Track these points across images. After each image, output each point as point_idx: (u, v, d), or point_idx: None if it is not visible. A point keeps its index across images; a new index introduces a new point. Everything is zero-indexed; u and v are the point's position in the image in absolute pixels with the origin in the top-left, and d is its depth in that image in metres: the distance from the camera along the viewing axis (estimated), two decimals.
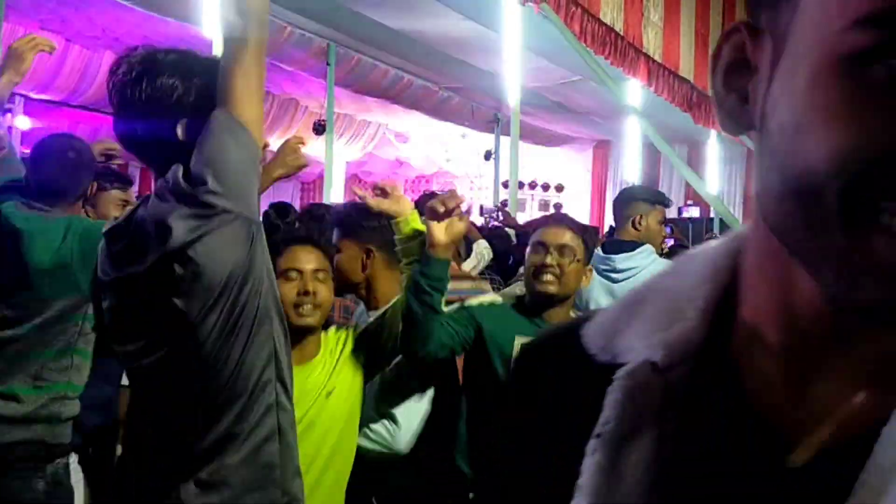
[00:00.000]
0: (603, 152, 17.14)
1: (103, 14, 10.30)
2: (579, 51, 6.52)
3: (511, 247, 5.14)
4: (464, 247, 4.40)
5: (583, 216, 19.42)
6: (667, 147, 6.92)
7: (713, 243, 0.57)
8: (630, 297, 0.58)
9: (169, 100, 1.59)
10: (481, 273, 4.49)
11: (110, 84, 1.72)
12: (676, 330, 0.51)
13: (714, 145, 12.05)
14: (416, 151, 19.15)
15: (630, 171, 15.05)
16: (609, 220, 16.87)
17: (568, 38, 6.43)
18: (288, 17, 9.02)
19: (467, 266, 4.33)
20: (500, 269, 4.87)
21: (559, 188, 19.29)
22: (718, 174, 12.60)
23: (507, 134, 14.00)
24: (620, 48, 7.72)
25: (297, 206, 25.80)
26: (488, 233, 5.30)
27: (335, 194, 15.44)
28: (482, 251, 4.63)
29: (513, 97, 6.47)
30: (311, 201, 23.93)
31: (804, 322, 0.47)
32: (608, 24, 7.44)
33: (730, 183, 14.70)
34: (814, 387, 0.47)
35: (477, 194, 22.37)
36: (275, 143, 11.31)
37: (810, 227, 0.42)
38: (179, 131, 1.58)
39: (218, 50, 4.63)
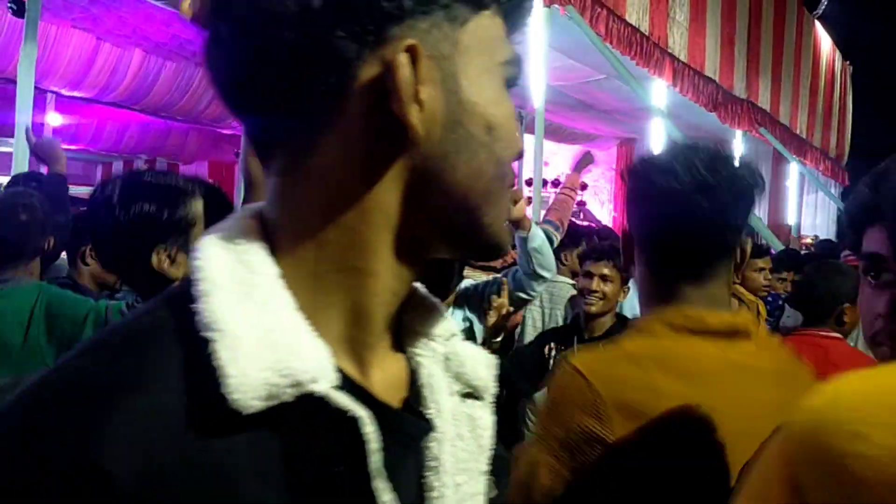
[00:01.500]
0: (627, 150, 17.06)
1: (134, 13, 10.47)
2: (604, 52, 6.53)
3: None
4: None
5: (606, 215, 19.37)
6: None
7: None
8: None
9: (147, 227, 1.58)
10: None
11: (92, 204, 1.70)
12: None
13: (739, 144, 11.97)
14: None
15: None
16: None
17: (592, 39, 6.44)
18: None
19: None
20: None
21: (583, 186, 19.23)
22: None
23: (532, 132, 14.04)
24: (646, 49, 7.70)
25: None
26: None
27: None
28: None
29: (538, 98, 6.48)
30: None
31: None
32: (633, 24, 7.42)
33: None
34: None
35: None
36: None
37: None
38: (155, 260, 1.57)
39: None
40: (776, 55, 12.09)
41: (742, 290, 3.74)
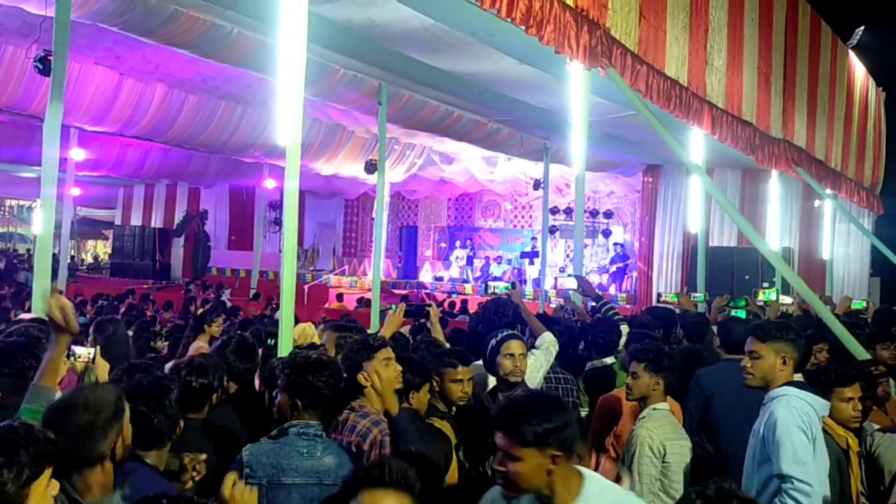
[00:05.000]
0: (652, 175, 16.82)
1: (157, 52, 10.34)
2: (647, 116, 6.30)
3: (576, 337, 4.93)
4: (528, 340, 4.20)
5: (629, 237, 19.08)
6: (730, 206, 6.67)
7: None
8: None
9: None
10: (552, 369, 4.29)
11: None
12: None
13: (776, 183, 11.69)
14: (459, 171, 19.05)
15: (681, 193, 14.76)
16: (659, 243, 16.54)
17: (635, 102, 6.23)
18: (341, 61, 8.97)
19: (535, 363, 4.12)
20: (567, 362, 4.65)
21: (608, 214, 18.99)
22: (778, 211, 12.21)
23: (556, 162, 13.85)
24: (685, 100, 7.48)
25: (341, 221, 25.43)
26: (556, 326, 5.05)
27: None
28: (548, 346, 4.32)
29: (577, 163, 6.27)
30: (354, 218, 23.98)
31: None
32: (672, 77, 7.20)
33: (788, 218, 14.25)
34: None
35: (521, 213, 22.24)
36: (322, 166, 11.51)
37: None
38: None
39: (282, 94, 4.52)
40: (811, 89, 11.81)
41: (831, 423, 3.37)
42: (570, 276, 6.16)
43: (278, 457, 2.60)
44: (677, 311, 6.08)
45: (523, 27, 5.20)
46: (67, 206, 16.57)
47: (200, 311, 7.81)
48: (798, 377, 3.30)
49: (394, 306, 4.48)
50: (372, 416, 3.08)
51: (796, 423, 2.85)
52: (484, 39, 7.38)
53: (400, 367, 3.23)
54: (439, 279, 20.01)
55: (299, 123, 3.78)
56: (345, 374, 3.39)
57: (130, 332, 6.70)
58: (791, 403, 2.92)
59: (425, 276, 20.68)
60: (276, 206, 20.37)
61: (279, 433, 2.67)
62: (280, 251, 19.61)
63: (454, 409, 3.62)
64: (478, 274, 19.82)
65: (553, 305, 12.25)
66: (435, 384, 3.53)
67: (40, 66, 6.87)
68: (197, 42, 8.16)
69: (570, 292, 6.25)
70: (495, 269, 19.57)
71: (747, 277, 13.18)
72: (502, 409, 2.23)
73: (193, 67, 11.28)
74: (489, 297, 4.69)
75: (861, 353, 4.86)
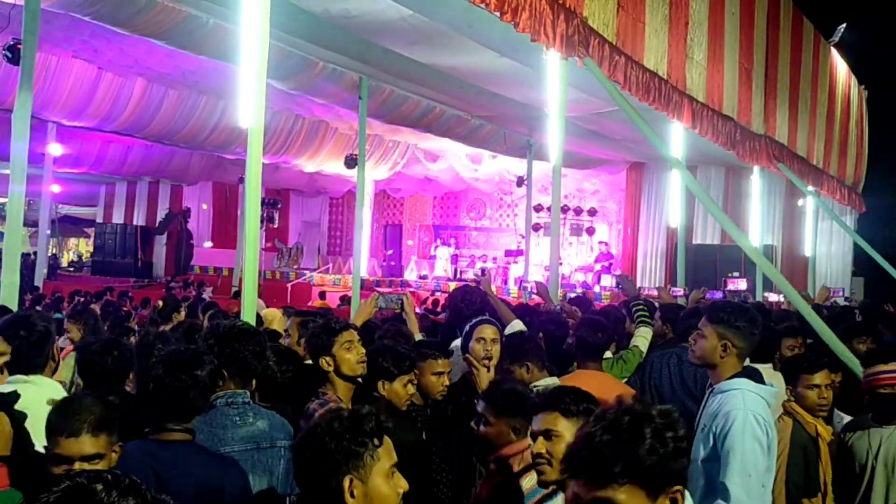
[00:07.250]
0: (637, 173, 16.82)
1: (135, 46, 10.20)
2: (625, 107, 6.25)
3: (566, 334, 4.79)
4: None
5: (614, 236, 19.07)
6: (710, 201, 6.62)
7: None
8: None
9: None
10: None
11: None
12: None
13: (757, 179, 11.68)
14: (444, 169, 18.98)
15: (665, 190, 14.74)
16: (643, 241, 16.53)
17: (612, 93, 6.17)
18: (320, 54, 8.87)
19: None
20: (553, 356, 4.52)
21: (592, 212, 18.96)
22: (760, 207, 12.21)
23: (539, 159, 13.81)
24: (664, 93, 7.44)
25: (325, 220, 25.27)
26: (545, 316, 4.90)
27: (364, 214, 15.25)
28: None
29: (554, 155, 6.21)
30: (339, 216, 23.86)
31: None
32: (652, 69, 7.16)
33: (771, 215, 14.27)
34: None
35: (506, 211, 22.20)
36: (305, 163, 11.41)
37: None
38: None
39: (244, 75, 4.43)
40: (793, 85, 11.82)
41: (798, 408, 3.30)
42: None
43: (212, 428, 2.54)
44: (657, 304, 6.02)
45: (497, 14, 5.13)
46: (46, 202, 16.34)
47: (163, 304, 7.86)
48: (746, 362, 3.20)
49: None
50: (330, 405, 2.99)
51: (753, 432, 2.61)
52: (462, 31, 7.31)
53: (363, 351, 3.12)
54: (423, 277, 19.94)
55: (261, 106, 3.69)
56: (308, 361, 3.29)
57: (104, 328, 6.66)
58: (748, 404, 2.67)
59: (410, 274, 20.60)
60: (262, 203, 20.19)
61: (206, 407, 2.60)
62: (264, 249, 19.50)
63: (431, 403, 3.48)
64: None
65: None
66: (413, 376, 3.40)
67: (9, 55, 6.73)
68: (172, 33, 8.05)
69: (532, 285, 6.16)
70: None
71: (730, 274, 13.18)
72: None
73: (173, 61, 11.14)
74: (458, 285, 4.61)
75: (839, 347, 4.82)
